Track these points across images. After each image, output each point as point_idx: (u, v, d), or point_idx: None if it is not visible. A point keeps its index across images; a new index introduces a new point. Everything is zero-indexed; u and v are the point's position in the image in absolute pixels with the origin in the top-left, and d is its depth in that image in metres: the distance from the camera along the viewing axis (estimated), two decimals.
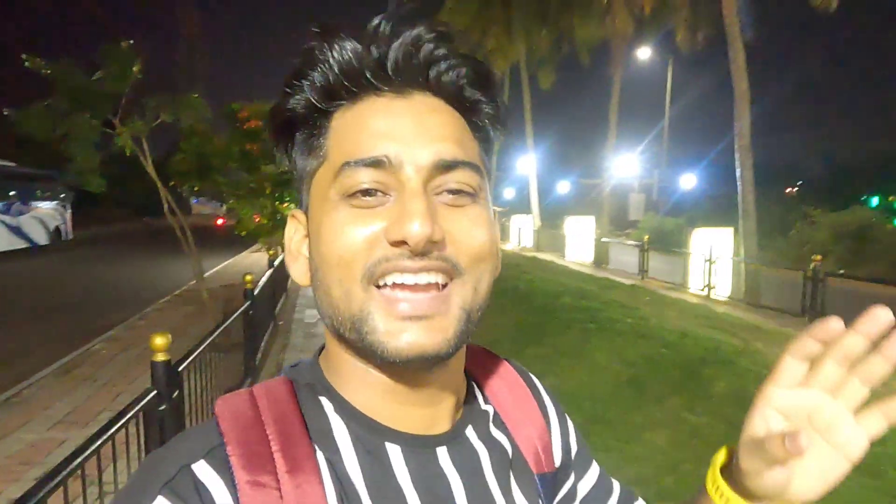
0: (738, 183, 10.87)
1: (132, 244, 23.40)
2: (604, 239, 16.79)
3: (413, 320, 0.49)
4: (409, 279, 0.49)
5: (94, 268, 16.70)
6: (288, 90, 0.54)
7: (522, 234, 23.80)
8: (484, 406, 0.63)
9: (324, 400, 0.54)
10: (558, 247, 19.48)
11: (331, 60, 0.51)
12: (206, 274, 12.29)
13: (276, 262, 8.80)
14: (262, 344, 6.73)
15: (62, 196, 23.02)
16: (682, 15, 11.77)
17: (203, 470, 0.47)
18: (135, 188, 27.65)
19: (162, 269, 15.09)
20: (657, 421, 3.89)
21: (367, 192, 0.50)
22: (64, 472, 2.05)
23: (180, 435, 0.52)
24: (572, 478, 0.68)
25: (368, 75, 0.52)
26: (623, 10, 13.31)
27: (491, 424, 0.61)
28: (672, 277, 13.18)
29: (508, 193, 37.65)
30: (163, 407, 2.96)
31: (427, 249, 0.48)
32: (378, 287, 0.49)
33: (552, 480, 0.65)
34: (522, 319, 6.81)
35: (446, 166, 0.51)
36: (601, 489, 0.71)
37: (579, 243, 18.34)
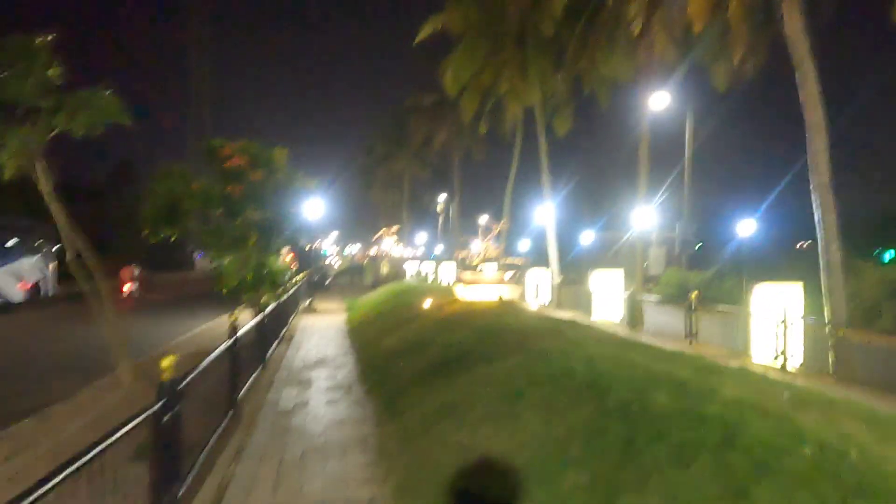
0: (818, 229, 8.89)
1: (120, 300, 21.59)
2: (644, 296, 14.71)
3: None
4: None
5: (62, 328, 14.94)
6: None
7: (540, 289, 21.76)
8: None
9: None
10: (581, 304, 17.39)
11: None
12: (185, 336, 10.51)
13: (241, 331, 6.88)
14: (202, 452, 4.68)
15: (44, 249, 21.37)
16: (740, 34, 9.83)
17: None
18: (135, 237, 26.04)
19: (141, 328, 12.97)
20: None
21: None
22: None
23: None
24: None
25: None
26: (662, 34, 11.49)
27: None
28: (727, 342, 11.14)
29: (523, 245, 35.70)
30: None
31: None
32: None
33: None
34: (596, 430, 3.83)
35: None
36: None
37: (607, 300, 16.28)
